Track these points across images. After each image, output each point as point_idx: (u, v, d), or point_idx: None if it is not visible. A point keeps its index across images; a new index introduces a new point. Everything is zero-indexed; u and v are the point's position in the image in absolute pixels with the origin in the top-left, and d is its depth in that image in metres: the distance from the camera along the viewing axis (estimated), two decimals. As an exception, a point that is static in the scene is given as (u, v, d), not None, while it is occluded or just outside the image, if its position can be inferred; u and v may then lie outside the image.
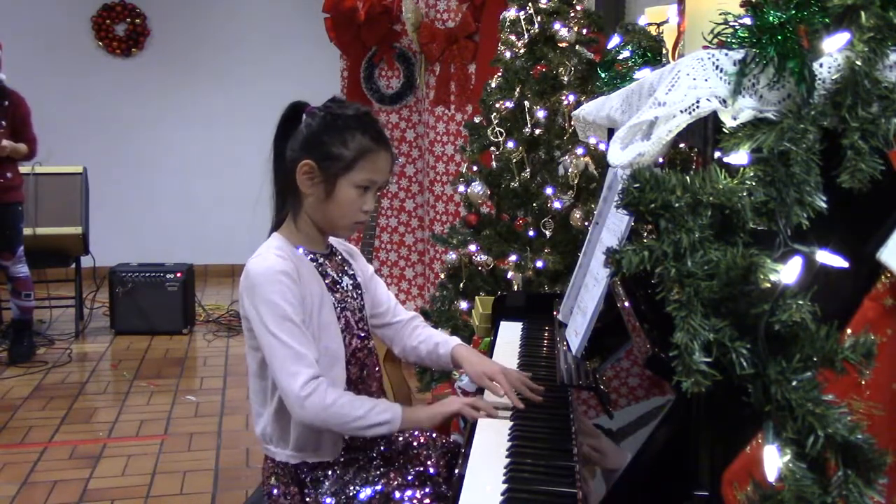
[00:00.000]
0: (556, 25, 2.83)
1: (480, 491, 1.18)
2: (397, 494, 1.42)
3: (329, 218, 1.49)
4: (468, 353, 1.61)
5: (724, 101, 0.89)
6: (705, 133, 0.96)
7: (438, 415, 1.46)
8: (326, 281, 1.52)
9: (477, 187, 2.95)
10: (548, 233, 2.80)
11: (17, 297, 4.29)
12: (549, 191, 2.78)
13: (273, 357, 1.40)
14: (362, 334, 1.56)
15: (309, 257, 1.51)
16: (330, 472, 1.47)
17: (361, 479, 1.45)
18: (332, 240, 1.60)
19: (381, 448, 1.54)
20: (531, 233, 2.84)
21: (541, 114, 2.82)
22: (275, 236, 1.52)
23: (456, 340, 1.64)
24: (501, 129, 2.91)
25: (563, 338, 1.60)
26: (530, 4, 2.90)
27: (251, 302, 1.42)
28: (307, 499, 1.46)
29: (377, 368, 1.61)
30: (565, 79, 2.81)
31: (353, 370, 1.53)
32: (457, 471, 1.28)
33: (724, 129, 0.89)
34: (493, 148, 2.97)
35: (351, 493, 1.43)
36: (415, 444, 1.57)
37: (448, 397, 1.52)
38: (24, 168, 4.57)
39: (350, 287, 1.57)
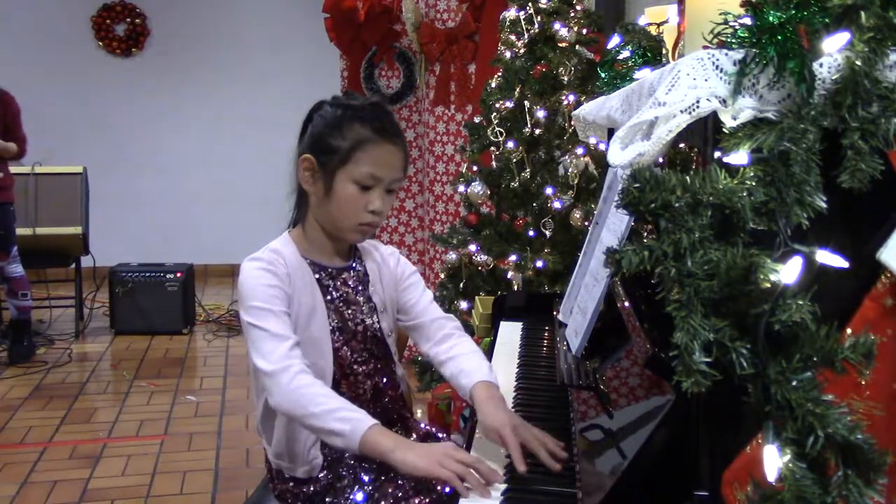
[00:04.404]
0: (556, 25, 2.83)
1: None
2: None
3: (331, 218, 1.41)
4: (486, 399, 1.32)
5: (724, 101, 0.89)
6: (705, 133, 0.96)
7: (417, 469, 1.19)
8: (327, 297, 1.44)
9: (477, 187, 2.94)
10: (548, 233, 2.80)
11: (13, 297, 4.30)
12: (549, 191, 2.78)
13: (249, 342, 1.34)
14: (363, 356, 1.47)
15: (313, 269, 1.44)
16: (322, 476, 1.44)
17: (359, 485, 1.42)
18: (360, 247, 1.51)
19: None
20: (531, 233, 2.84)
21: (541, 114, 2.82)
22: (281, 237, 1.47)
23: (482, 374, 1.38)
24: (501, 129, 2.91)
25: (563, 338, 1.60)
26: (530, 4, 2.90)
27: (238, 296, 1.40)
28: (305, 492, 1.45)
29: (399, 393, 1.53)
30: (565, 79, 2.81)
31: (360, 391, 1.47)
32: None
33: (724, 129, 0.89)
34: (493, 148, 2.97)
35: (348, 496, 1.41)
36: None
37: (440, 444, 1.28)
38: (24, 168, 4.57)
39: (364, 309, 1.47)
